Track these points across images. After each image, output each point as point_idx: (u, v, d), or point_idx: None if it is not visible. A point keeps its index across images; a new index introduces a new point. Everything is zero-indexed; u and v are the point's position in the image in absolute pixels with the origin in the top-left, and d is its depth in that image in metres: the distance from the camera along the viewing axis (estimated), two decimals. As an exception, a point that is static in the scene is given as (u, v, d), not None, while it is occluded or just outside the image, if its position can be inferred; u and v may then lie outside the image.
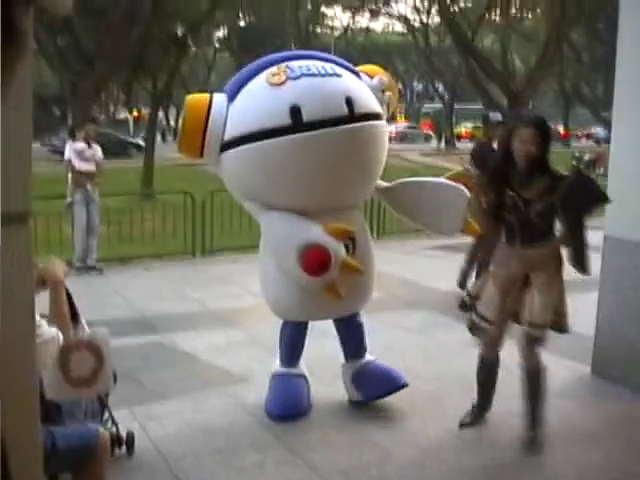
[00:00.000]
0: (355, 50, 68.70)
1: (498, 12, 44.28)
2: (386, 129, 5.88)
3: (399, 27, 63.41)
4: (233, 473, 5.01)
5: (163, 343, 7.84)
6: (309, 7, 56.78)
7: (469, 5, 49.53)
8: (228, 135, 5.54)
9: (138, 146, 50.97)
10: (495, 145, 10.13)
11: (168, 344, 7.81)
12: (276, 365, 6.36)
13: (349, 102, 5.40)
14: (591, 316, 7.17)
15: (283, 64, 5.63)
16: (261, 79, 5.58)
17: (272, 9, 52.05)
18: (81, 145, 12.05)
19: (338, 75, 5.59)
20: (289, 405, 6.07)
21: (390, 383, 6.25)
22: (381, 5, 59.09)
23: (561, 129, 63.09)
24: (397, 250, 14.10)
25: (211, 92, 5.88)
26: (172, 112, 73.52)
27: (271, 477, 4.98)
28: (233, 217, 13.54)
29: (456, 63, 51.59)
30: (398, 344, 7.87)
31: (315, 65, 5.60)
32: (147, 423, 5.79)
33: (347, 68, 5.88)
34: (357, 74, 5.92)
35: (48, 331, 3.25)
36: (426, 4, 52.36)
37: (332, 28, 67.82)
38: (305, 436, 5.66)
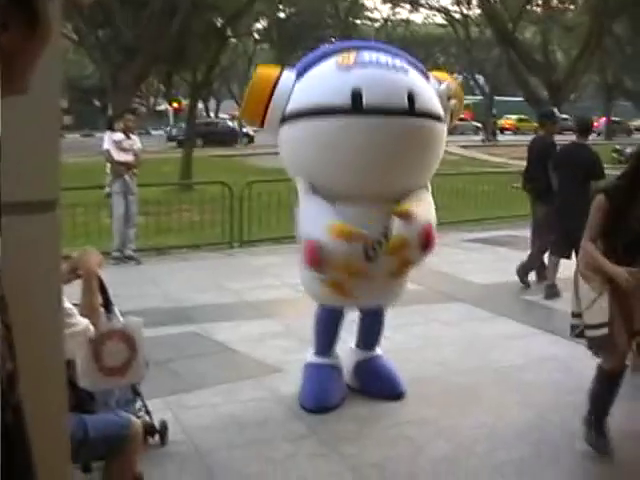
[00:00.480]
0: (395, 42, 68.61)
1: (540, 3, 44.05)
2: (444, 133, 5.87)
3: (439, 19, 63.07)
4: (265, 465, 4.99)
5: (199, 333, 7.84)
6: (349, -2, 56.72)
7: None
8: (290, 108, 5.62)
9: (248, 135, 51.74)
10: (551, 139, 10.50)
11: (204, 334, 7.81)
12: (310, 354, 6.36)
13: (411, 97, 5.41)
14: None
15: (354, 51, 5.69)
16: (331, 61, 5.65)
17: (312, 0, 52.00)
18: (119, 136, 12.11)
19: (405, 70, 5.60)
20: (322, 398, 6.05)
21: (387, 388, 6.29)
22: (421, -4, 58.87)
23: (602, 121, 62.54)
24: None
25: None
26: (212, 104, 73.85)
27: (303, 469, 4.95)
28: (271, 208, 13.57)
29: (497, 55, 51.20)
30: (434, 337, 7.83)
31: (386, 57, 5.64)
32: (181, 413, 5.79)
33: (417, 67, 5.90)
34: (426, 75, 5.94)
35: (79, 321, 3.25)
36: (467, -4, 52.19)
37: (372, 20, 67.66)
38: (338, 429, 5.62)
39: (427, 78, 5.90)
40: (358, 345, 6.50)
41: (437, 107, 5.71)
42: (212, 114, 75.53)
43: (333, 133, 5.47)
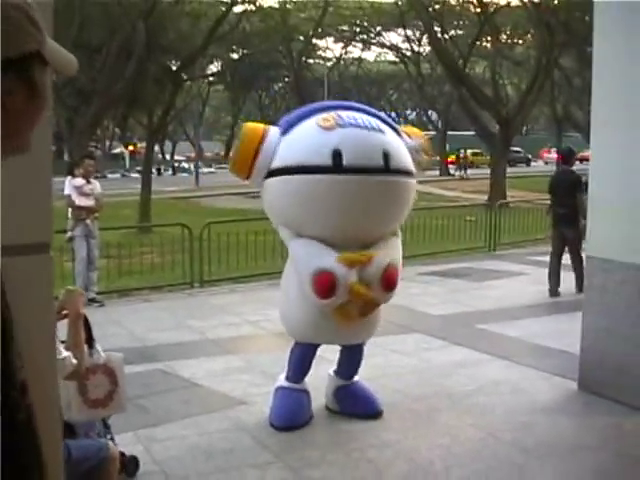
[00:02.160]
0: (348, 80, 69.32)
1: (489, 39, 44.86)
2: (414, 186, 6.40)
3: (391, 56, 63.92)
4: (234, 490, 5.26)
5: (164, 371, 8.07)
6: (301, 38, 57.25)
7: (460, 32, 50.01)
8: (275, 164, 6.15)
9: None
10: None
11: (169, 372, 8.04)
12: (281, 380, 6.71)
13: (386, 156, 5.97)
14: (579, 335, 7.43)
15: (334, 112, 6.24)
16: (312, 121, 6.20)
17: (264, 42, 52.57)
18: (80, 181, 12.32)
19: (381, 131, 6.14)
20: (291, 418, 6.45)
21: (366, 407, 6.71)
22: (373, 35, 59.62)
23: (554, 153, 63.54)
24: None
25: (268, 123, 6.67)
26: (167, 146, 74.02)
27: (271, 493, 5.23)
28: (230, 249, 13.82)
29: (448, 91, 51.98)
30: (392, 366, 8.13)
31: (362, 118, 6.18)
32: (151, 445, 6.03)
33: (390, 125, 6.43)
34: (398, 132, 6.44)
35: (61, 351, 3.52)
36: (417, 33, 52.94)
37: (325, 59, 68.36)
38: (303, 454, 5.90)
39: (399, 135, 6.41)
40: (337, 373, 6.86)
41: (409, 164, 6.26)
42: (167, 156, 75.75)
43: (316, 189, 6.01)
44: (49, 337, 2.48)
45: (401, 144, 6.31)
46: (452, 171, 60.41)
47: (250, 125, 6.53)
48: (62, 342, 3.66)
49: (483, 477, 5.46)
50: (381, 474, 5.53)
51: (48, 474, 1.75)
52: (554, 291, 12.19)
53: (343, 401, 6.75)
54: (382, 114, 6.72)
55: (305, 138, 6.16)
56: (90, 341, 4.38)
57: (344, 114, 6.22)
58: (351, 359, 6.83)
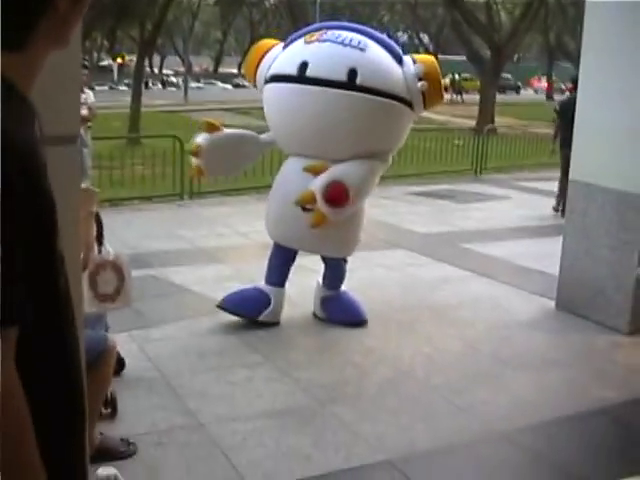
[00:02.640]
0: (341, 0, 68.54)
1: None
2: (401, 110, 6.48)
3: (385, -23, 63.18)
4: (226, 386, 5.53)
5: (157, 277, 8.30)
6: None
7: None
8: (268, 73, 6.66)
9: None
10: None
11: (162, 278, 8.28)
12: (261, 284, 7.00)
13: (353, 72, 6.17)
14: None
15: (326, 29, 6.59)
16: (305, 37, 6.64)
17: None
18: (73, 90, 12.40)
19: (361, 49, 6.32)
20: (236, 303, 6.85)
21: (351, 316, 6.98)
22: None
23: (544, 82, 63.55)
24: (379, 195, 14.50)
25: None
26: (156, 60, 73.35)
27: (260, 390, 5.50)
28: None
29: (441, 14, 51.58)
30: (378, 280, 8.39)
31: (348, 36, 6.41)
32: (145, 345, 6.29)
33: (388, 49, 6.55)
34: (399, 58, 6.52)
35: None
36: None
37: (318, -23, 67.49)
38: (291, 357, 6.21)
39: (399, 60, 6.48)
40: (323, 284, 7.15)
41: (390, 86, 6.34)
42: (156, 70, 75.12)
43: (281, 96, 6.58)
44: (74, 225, 2.69)
45: (389, 66, 6.40)
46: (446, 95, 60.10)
47: (262, 40, 7.30)
48: None
49: (462, 384, 5.75)
50: (365, 377, 5.83)
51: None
52: (558, 208, 12.61)
53: (329, 309, 7.02)
54: (385, 38, 6.78)
55: (290, 50, 6.64)
56: (100, 239, 4.61)
57: (332, 32, 6.50)
58: (332, 272, 7.12)
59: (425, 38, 66.96)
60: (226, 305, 6.81)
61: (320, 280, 7.17)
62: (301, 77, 6.29)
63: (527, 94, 72.84)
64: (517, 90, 72.38)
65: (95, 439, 4.40)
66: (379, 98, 6.29)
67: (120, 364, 5.43)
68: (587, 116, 7.30)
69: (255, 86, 7.02)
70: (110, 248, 4.77)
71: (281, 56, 6.66)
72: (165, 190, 14.12)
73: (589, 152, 7.23)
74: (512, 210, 13.42)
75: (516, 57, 79.57)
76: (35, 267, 1.60)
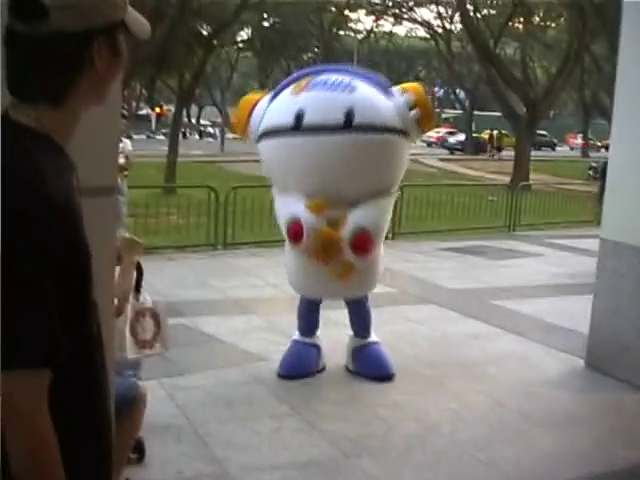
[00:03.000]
0: (377, 54, 69.13)
1: (521, 20, 44.74)
2: (399, 142, 6.55)
3: (422, 32, 63.67)
4: (253, 436, 5.58)
5: (188, 326, 8.38)
6: (333, 9, 57.18)
7: (492, 12, 49.76)
8: (260, 129, 6.62)
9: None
10: None
11: (193, 327, 8.36)
12: (295, 335, 7.16)
13: (349, 114, 6.20)
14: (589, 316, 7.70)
15: (311, 76, 6.60)
16: (291, 87, 6.64)
17: (296, 11, 52.56)
18: (111, 139, 12.63)
19: (351, 88, 6.36)
20: (295, 367, 6.92)
21: (379, 370, 6.99)
22: (405, 10, 59.44)
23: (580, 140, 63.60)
24: (411, 250, 14.64)
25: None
26: (193, 110, 74.14)
27: (287, 441, 5.55)
28: (254, 213, 14.11)
29: (477, 70, 51.86)
30: (406, 334, 8.42)
31: (335, 79, 6.44)
32: (174, 393, 6.36)
33: (374, 83, 6.62)
34: (387, 91, 6.57)
35: None
36: (449, 11, 52.75)
37: (355, 31, 68.18)
38: (319, 409, 6.25)
39: (387, 93, 6.54)
40: (354, 334, 7.20)
41: (384, 120, 6.39)
42: (193, 120, 75.90)
43: (279, 151, 6.57)
44: (110, 274, 2.78)
45: (380, 101, 6.44)
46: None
47: (248, 95, 7.18)
48: None
49: (487, 440, 5.76)
50: (391, 431, 5.84)
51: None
52: None
53: (358, 362, 7.05)
54: (370, 74, 6.88)
55: (279, 104, 6.64)
56: (138, 287, 4.72)
57: (319, 77, 6.54)
58: (356, 316, 7.16)
59: (461, 94, 67.32)
60: (287, 372, 6.88)
61: (351, 332, 7.20)
62: (299, 127, 6.30)
63: (563, 151, 72.83)
64: (553, 147, 72.32)
65: (122, 485, 4.47)
66: (378, 135, 6.36)
67: (140, 450, 5.21)
68: (617, 175, 7.36)
69: (244, 140, 7.12)
70: (148, 296, 4.88)
71: (271, 109, 6.66)
72: (199, 240, 14.27)
73: (620, 211, 7.28)
74: (544, 267, 13.41)
75: (552, 113, 79.79)
76: (70, 313, 1.69)
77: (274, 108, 6.63)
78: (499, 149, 57.80)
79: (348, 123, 6.21)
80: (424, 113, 6.48)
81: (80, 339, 1.78)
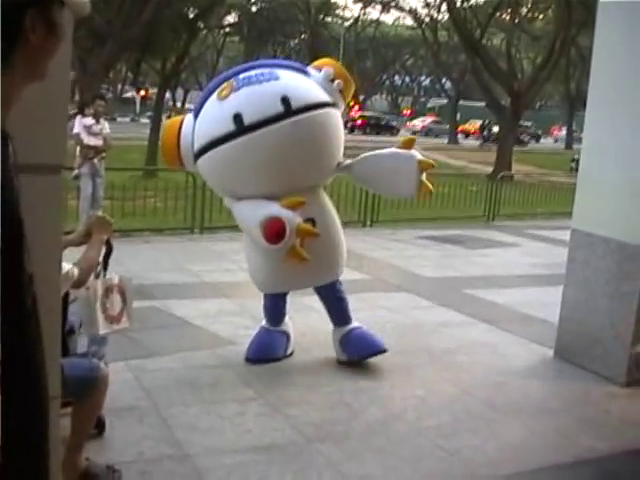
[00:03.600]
0: (364, 41, 69.11)
1: (508, 11, 44.77)
2: (335, 114, 6.60)
3: (409, 21, 63.63)
4: (216, 420, 5.57)
5: (159, 308, 8.37)
6: (320, -4, 57.17)
7: (480, 2, 49.74)
8: (195, 147, 6.49)
9: (396, 128, 59.90)
10: None
11: (164, 310, 8.35)
12: (263, 322, 7.16)
13: (285, 100, 6.16)
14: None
15: (232, 79, 6.46)
16: (214, 96, 6.47)
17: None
18: (89, 120, 12.59)
19: (276, 78, 6.34)
20: (263, 352, 6.93)
21: (370, 348, 6.98)
22: (392, -2, 59.39)
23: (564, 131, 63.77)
24: (389, 238, 14.67)
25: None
26: (179, 94, 73.93)
27: (250, 425, 5.54)
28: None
29: (463, 60, 51.88)
30: (378, 322, 8.37)
31: (257, 73, 6.40)
32: (141, 375, 6.35)
33: (291, 68, 6.71)
34: (304, 71, 6.66)
35: (64, 269, 3.83)
36: (437, 0, 52.71)
37: (342, 18, 68.17)
38: (283, 393, 6.24)
39: (305, 73, 6.63)
40: (334, 325, 7.16)
41: (316, 96, 6.44)
42: (179, 104, 75.65)
43: (230, 156, 6.32)
44: (55, 254, 2.75)
45: (304, 81, 6.51)
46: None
47: (169, 121, 7.04)
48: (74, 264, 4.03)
49: (452, 428, 5.77)
50: (355, 417, 5.84)
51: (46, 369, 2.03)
52: None
53: (347, 348, 6.99)
54: (282, 60, 7.06)
55: (209, 114, 6.47)
56: (106, 264, 4.75)
57: (240, 77, 6.44)
58: (331, 304, 7.12)
59: (447, 83, 67.37)
60: (254, 356, 6.89)
61: (331, 324, 7.16)
62: (241, 129, 6.16)
63: (547, 142, 73.05)
64: (537, 138, 72.51)
65: (81, 464, 4.45)
66: (317, 112, 6.36)
67: (100, 425, 5.17)
68: (589, 167, 7.38)
69: (182, 167, 6.90)
70: (114, 273, 4.89)
71: (200, 124, 6.50)
72: (176, 223, 14.25)
73: (591, 202, 7.29)
74: (520, 257, 13.46)
75: (537, 105, 79.94)
76: (2, 290, 1.67)
77: (204, 121, 6.47)
78: (489, 139, 57.81)
79: (287, 109, 6.17)
80: (345, 82, 6.65)
81: (13, 313, 1.76)
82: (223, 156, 6.33)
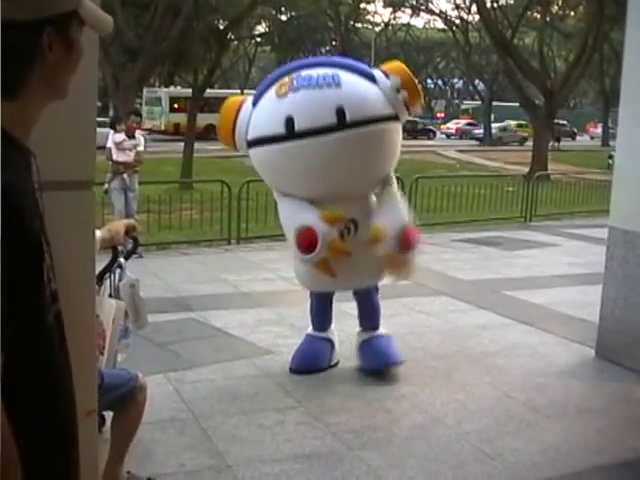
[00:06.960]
0: (395, 46, 69.01)
1: (539, 9, 44.51)
2: (393, 128, 6.44)
3: (440, 24, 63.54)
4: (256, 430, 5.57)
5: (197, 320, 8.40)
6: (349, 2, 57.10)
7: (510, 2, 49.50)
8: (249, 136, 6.44)
9: (433, 131, 62.82)
10: None
11: (202, 321, 8.37)
12: (309, 329, 7.14)
13: (340, 111, 6.03)
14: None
15: (293, 74, 6.34)
16: (273, 89, 6.36)
17: (313, 3, 52.44)
18: (120, 136, 12.65)
19: (337, 85, 6.16)
20: (307, 362, 6.90)
21: (383, 361, 6.87)
22: (422, 1, 59.32)
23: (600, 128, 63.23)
24: (426, 242, 14.56)
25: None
26: (213, 105, 74.23)
27: (290, 434, 5.53)
28: (268, 207, 14.11)
29: (495, 61, 51.65)
30: (416, 326, 8.38)
31: (318, 74, 6.23)
32: (180, 387, 6.36)
33: (357, 71, 6.44)
34: (370, 76, 6.40)
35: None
36: (467, 1, 52.55)
37: (373, 24, 68.11)
38: (324, 402, 6.22)
39: (372, 78, 6.38)
40: (361, 327, 7.13)
41: (375, 109, 6.27)
42: (213, 115, 75.97)
43: (276, 158, 6.34)
44: (87, 269, 2.76)
45: (367, 90, 6.29)
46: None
47: (228, 100, 6.82)
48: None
49: (493, 431, 5.72)
50: (395, 423, 5.82)
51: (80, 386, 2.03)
52: None
53: (364, 357, 6.96)
54: (350, 61, 6.75)
55: (265, 109, 6.39)
56: (109, 271, 4.70)
57: (302, 74, 6.29)
58: (365, 308, 7.09)
59: (480, 85, 67.09)
60: (298, 367, 6.87)
61: (359, 327, 7.13)
62: (291, 134, 6.10)
63: (583, 140, 72.49)
64: (573, 136, 71.89)
65: (122, 477, 4.47)
66: (372, 127, 6.22)
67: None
68: (624, 164, 7.30)
69: (235, 150, 6.81)
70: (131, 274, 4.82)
71: (256, 115, 6.42)
72: (213, 235, 14.29)
73: (627, 199, 7.21)
74: (559, 257, 13.36)
75: (572, 103, 79.37)
76: (20, 303, 1.68)
77: (260, 114, 6.40)
78: (558, 140, 55.98)
79: (341, 122, 6.05)
80: (412, 93, 6.42)
81: (33, 327, 1.76)
82: (270, 155, 6.36)
